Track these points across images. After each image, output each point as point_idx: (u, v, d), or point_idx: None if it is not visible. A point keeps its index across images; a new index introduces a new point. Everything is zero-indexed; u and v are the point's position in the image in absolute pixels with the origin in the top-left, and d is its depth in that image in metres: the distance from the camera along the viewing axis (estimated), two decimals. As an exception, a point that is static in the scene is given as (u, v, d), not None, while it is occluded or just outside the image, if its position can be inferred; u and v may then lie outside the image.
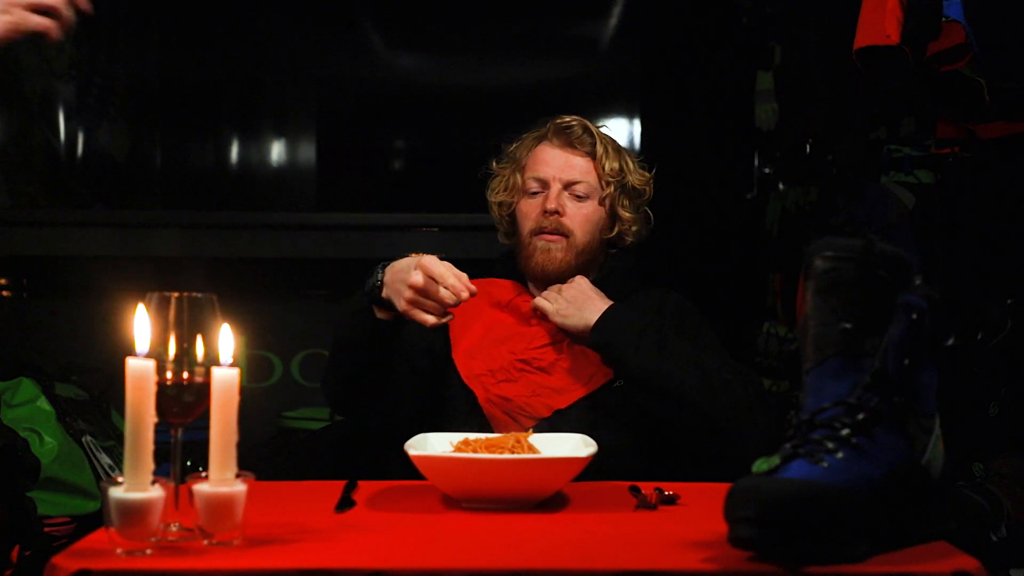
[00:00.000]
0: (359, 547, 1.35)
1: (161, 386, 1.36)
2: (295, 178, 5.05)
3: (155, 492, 1.27)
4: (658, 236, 2.27)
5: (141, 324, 1.33)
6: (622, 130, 4.67)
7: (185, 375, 1.38)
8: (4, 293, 3.86)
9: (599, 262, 2.27)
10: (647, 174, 2.31)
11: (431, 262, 1.92)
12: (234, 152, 5.09)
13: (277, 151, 5.09)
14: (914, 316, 1.33)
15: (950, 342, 1.39)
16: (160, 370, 1.35)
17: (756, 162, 4.11)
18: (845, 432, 1.30)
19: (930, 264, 2.62)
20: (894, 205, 2.83)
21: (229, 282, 3.75)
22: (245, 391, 1.38)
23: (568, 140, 2.25)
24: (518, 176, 2.27)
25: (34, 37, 1.84)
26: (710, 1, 4.29)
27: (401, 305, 1.93)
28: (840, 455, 1.28)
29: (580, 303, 2.10)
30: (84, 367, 3.12)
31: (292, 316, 3.83)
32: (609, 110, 4.64)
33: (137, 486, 1.27)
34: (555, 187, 2.21)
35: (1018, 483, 2.43)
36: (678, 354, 2.03)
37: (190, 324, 1.40)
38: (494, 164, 2.33)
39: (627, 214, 2.26)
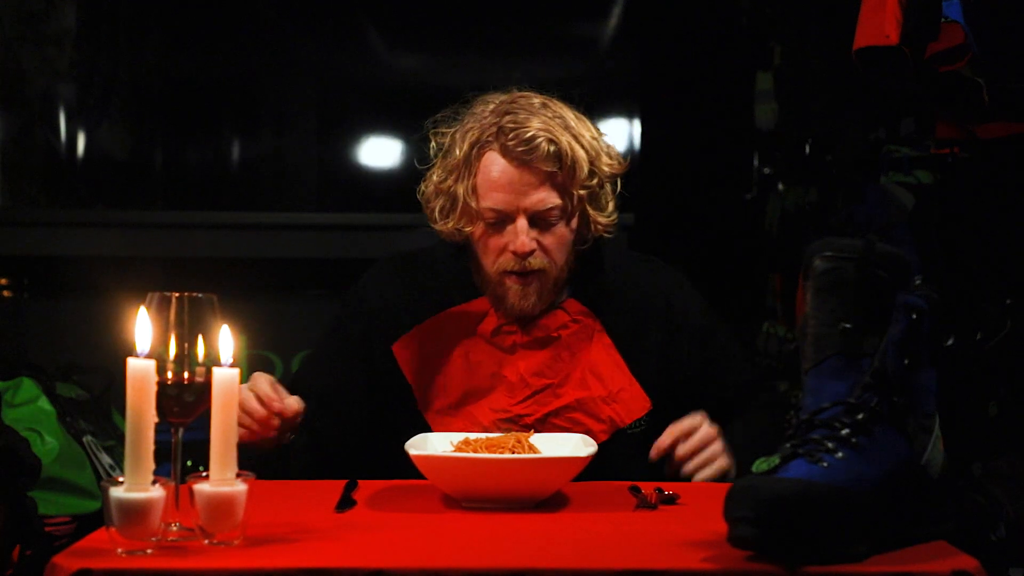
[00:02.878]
0: (359, 547, 1.35)
1: (162, 386, 1.36)
2: (295, 178, 5.05)
3: (155, 492, 1.27)
4: (658, 236, 2.22)
5: (142, 324, 1.33)
6: (622, 130, 4.67)
7: (186, 375, 1.39)
8: (4, 293, 3.85)
9: (570, 265, 1.96)
10: (620, 159, 1.94)
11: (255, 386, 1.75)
12: (235, 152, 5.09)
13: (278, 151, 5.09)
14: (914, 316, 1.34)
15: (950, 342, 1.40)
16: (161, 370, 1.35)
17: (756, 162, 4.11)
18: (845, 432, 1.30)
19: (930, 264, 2.62)
20: (894, 205, 2.83)
21: (229, 282, 3.75)
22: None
23: (527, 160, 1.84)
24: (471, 200, 1.87)
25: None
26: (710, 1, 4.29)
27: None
28: (840, 455, 1.28)
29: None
30: (85, 367, 3.12)
31: (292, 316, 3.82)
32: (609, 110, 4.64)
33: (138, 486, 1.27)
34: (521, 222, 1.85)
35: (1018, 483, 2.43)
36: None
37: (191, 324, 1.40)
38: (431, 178, 1.93)
39: (603, 219, 1.93)
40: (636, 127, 4.58)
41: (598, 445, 1.83)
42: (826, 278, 1.36)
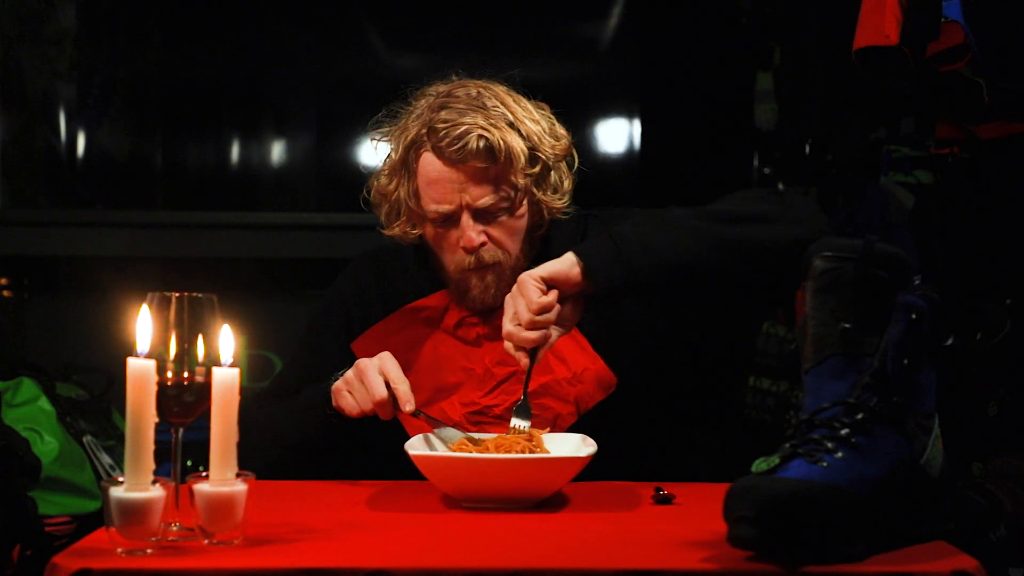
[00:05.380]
0: (359, 547, 1.35)
1: (162, 386, 1.36)
2: (295, 178, 5.06)
3: (155, 492, 1.27)
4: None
5: (142, 324, 1.33)
6: (622, 130, 4.68)
7: (186, 375, 1.39)
8: (4, 293, 3.86)
9: (535, 246, 1.93)
10: (563, 137, 1.90)
11: (388, 361, 1.74)
12: (235, 152, 5.10)
13: (277, 151, 5.09)
14: (913, 316, 1.34)
15: (949, 342, 1.39)
16: (161, 370, 1.35)
17: (756, 162, 4.11)
18: (844, 432, 1.30)
19: (930, 264, 2.62)
20: (894, 205, 2.83)
21: (229, 282, 3.75)
22: (245, 391, 1.38)
23: (461, 157, 1.81)
24: (413, 204, 1.87)
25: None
26: (710, 1, 4.29)
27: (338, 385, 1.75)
28: (839, 455, 1.28)
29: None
30: (85, 367, 3.12)
31: (292, 316, 3.83)
32: (609, 110, 4.64)
33: (137, 486, 1.27)
34: (465, 219, 1.84)
35: (1017, 483, 2.43)
36: (689, 223, 1.71)
37: (191, 324, 1.40)
38: (375, 182, 1.92)
39: (557, 202, 1.91)
40: (636, 127, 4.59)
41: (568, 428, 1.84)
42: (826, 278, 1.36)
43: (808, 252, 1.40)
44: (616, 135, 4.65)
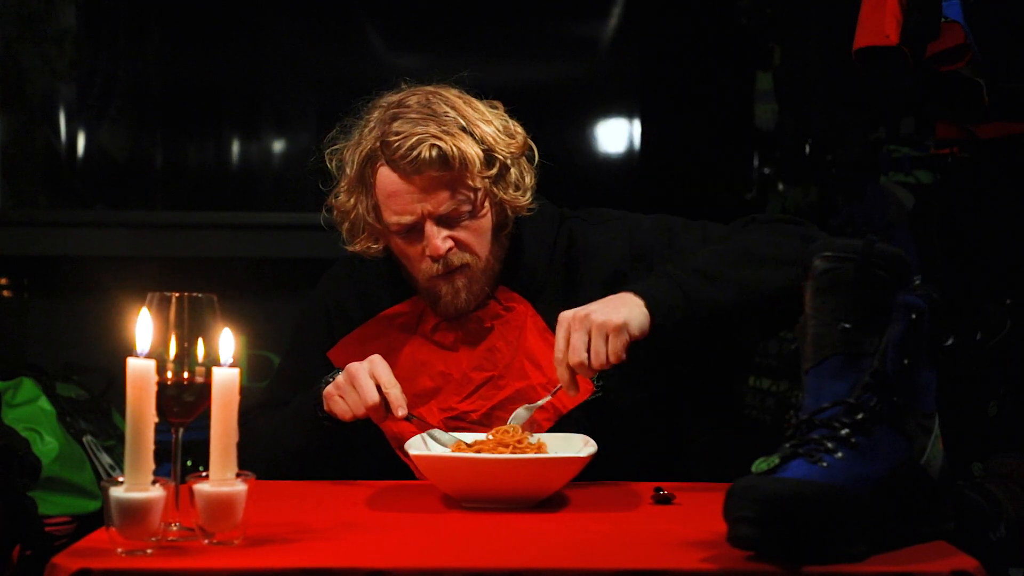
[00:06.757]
0: (359, 547, 1.35)
1: (161, 386, 1.36)
2: (295, 178, 5.05)
3: (155, 492, 1.28)
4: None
5: (142, 324, 1.33)
6: (622, 130, 4.67)
7: (186, 375, 1.39)
8: (4, 293, 3.86)
9: (505, 245, 1.92)
10: (517, 135, 1.89)
11: (380, 366, 1.75)
12: (235, 152, 5.09)
13: (278, 151, 5.09)
14: (913, 316, 1.34)
15: (949, 342, 1.39)
16: (161, 370, 1.35)
17: (756, 162, 4.11)
18: (844, 432, 1.30)
19: (930, 264, 2.62)
20: (894, 205, 2.83)
21: (229, 282, 3.75)
22: (245, 391, 1.38)
23: (416, 167, 1.80)
24: (373, 219, 1.86)
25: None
26: (710, 1, 4.29)
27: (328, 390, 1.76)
28: (839, 455, 1.28)
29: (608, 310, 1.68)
30: (85, 367, 3.12)
31: (292, 316, 3.82)
32: (609, 110, 4.64)
33: (137, 486, 1.27)
34: (429, 227, 1.82)
35: (1017, 483, 2.43)
36: (730, 266, 1.75)
37: (191, 324, 1.40)
38: (335, 199, 1.91)
39: (521, 200, 1.88)
40: (636, 127, 4.58)
41: (544, 433, 1.80)
42: (826, 278, 1.36)
43: (808, 252, 1.40)
44: (616, 135, 4.64)
